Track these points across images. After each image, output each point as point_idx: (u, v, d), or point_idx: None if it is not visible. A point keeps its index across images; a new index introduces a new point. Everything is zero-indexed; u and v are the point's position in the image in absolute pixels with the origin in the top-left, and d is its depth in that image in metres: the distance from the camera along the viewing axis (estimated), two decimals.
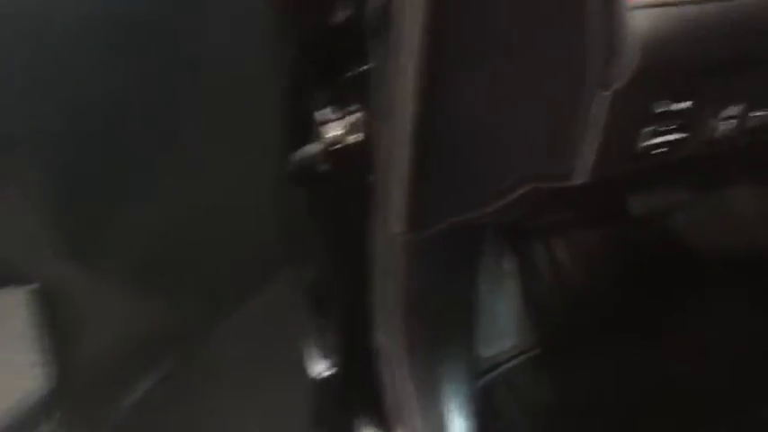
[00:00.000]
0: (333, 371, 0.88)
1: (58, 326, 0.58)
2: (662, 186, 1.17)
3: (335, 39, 0.68)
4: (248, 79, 0.57)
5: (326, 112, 0.70)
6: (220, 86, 0.54)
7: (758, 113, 0.55)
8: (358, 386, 0.89)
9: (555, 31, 0.50)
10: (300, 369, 0.83)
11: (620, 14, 0.44)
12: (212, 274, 0.59)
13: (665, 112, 0.50)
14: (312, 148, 0.70)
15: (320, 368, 0.88)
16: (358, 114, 0.70)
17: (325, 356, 0.89)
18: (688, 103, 0.50)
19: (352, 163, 0.74)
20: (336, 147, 0.71)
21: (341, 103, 0.70)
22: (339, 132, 0.69)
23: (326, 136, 0.70)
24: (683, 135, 0.52)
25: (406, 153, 0.69)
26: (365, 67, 0.67)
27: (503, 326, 1.13)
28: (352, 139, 0.71)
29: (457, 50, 0.60)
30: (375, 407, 0.84)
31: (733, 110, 0.54)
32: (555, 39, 0.50)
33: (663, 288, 1.17)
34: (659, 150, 0.53)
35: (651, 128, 0.51)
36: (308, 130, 0.71)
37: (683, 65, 0.46)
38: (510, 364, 1.08)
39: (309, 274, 0.85)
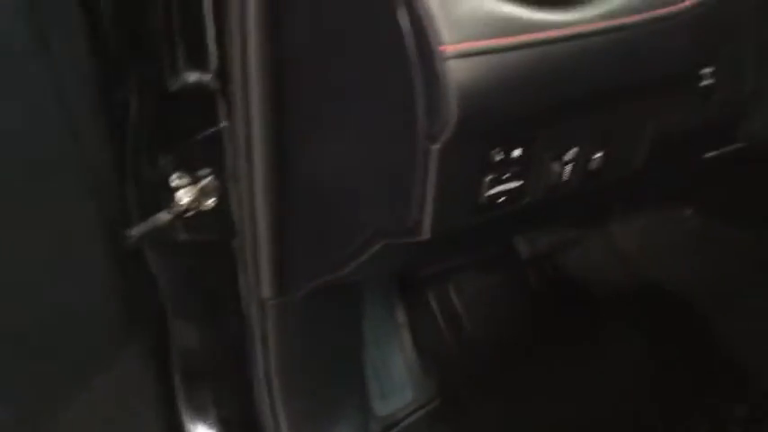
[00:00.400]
0: None
1: None
2: (546, 227, 1.19)
3: (180, 102, 0.65)
4: (69, 152, 0.53)
5: (177, 178, 0.67)
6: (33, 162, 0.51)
7: (598, 155, 0.55)
8: None
9: (387, 87, 0.49)
10: None
11: (437, 65, 0.43)
12: (44, 359, 0.54)
13: (502, 160, 0.50)
14: (163, 217, 0.66)
15: None
16: (209, 178, 0.67)
17: (209, 428, 0.84)
18: (522, 150, 0.50)
19: (211, 229, 0.71)
20: (191, 213, 0.68)
21: (191, 168, 0.67)
22: (191, 198, 0.66)
23: (179, 203, 0.67)
24: (523, 182, 0.52)
25: (262, 216, 0.67)
26: (213, 130, 0.65)
27: (399, 380, 1.10)
28: (206, 204, 0.68)
29: (299, 111, 0.59)
30: None
31: (572, 153, 0.53)
32: (388, 95, 0.49)
33: (556, 328, 1.18)
34: (502, 199, 0.52)
35: (490, 177, 0.50)
36: (160, 198, 0.68)
37: (507, 112, 0.45)
38: (407, 421, 1.05)
39: (182, 344, 0.80)
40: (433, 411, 1.08)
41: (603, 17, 0.45)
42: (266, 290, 0.72)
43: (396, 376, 1.10)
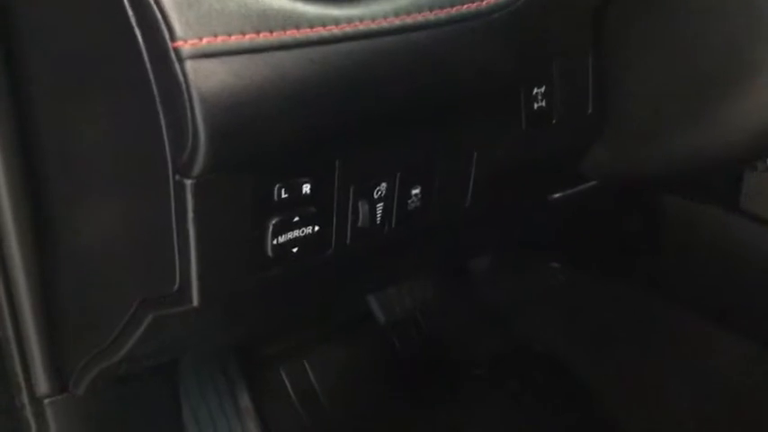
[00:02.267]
0: None
1: None
2: (400, 284, 1.10)
3: None
4: None
5: None
6: None
7: (416, 191, 0.45)
8: None
9: (130, 105, 0.37)
10: None
11: (174, 67, 0.32)
12: None
13: (288, 198, 0.39)
14: None
15: None
16: None
17: None
18: (313, 185, 0.39)
19: None
20: None
21: None
22: None
23: None
24: (321, 227, 0.41)
25: (26, 296, 0.54)
26: None
27: None
28: None
29: (49, 161, 0.47)
30: None
31: (383, 189, 0.43)
32: (132, 116, 0.38)
33: (423, 394, 1.09)
34: (297, 250, 0.40)
35: (275, 221, 0.39)
36: None
37: (278, 132, 0.35)
38: None
39: None
40: None
41: (398, 12, 0.36)
42: (42, 386, 0.59)
43: None
